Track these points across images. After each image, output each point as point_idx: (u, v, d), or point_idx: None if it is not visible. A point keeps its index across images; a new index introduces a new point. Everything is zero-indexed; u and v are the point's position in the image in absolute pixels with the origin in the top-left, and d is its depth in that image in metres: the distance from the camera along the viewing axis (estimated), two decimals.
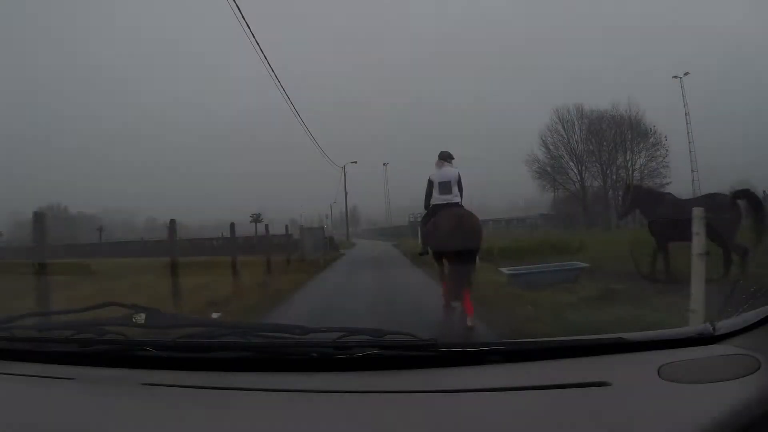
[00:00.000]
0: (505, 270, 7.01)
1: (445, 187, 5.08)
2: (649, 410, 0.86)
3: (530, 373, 1.08)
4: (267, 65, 13.78)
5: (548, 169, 27.03)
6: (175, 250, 6.74)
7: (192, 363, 1.21)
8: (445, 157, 5.23)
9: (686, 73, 24.81)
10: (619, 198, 14.04)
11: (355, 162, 26.07)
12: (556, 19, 48.60)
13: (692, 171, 24.05)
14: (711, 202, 5.84)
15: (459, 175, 5.17)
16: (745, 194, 5.70)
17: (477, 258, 5.51)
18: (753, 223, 5.50)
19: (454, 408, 0.96)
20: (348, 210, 29.76)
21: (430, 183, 5.19)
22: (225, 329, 1.31)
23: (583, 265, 6.59)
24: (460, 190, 5.15)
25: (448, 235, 4.75)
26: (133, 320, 1.27)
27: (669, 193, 7.56)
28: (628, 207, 7.06)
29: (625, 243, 7.43)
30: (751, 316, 1.08)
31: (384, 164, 30.24)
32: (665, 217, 6.02)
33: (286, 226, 16.47)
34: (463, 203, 5.22)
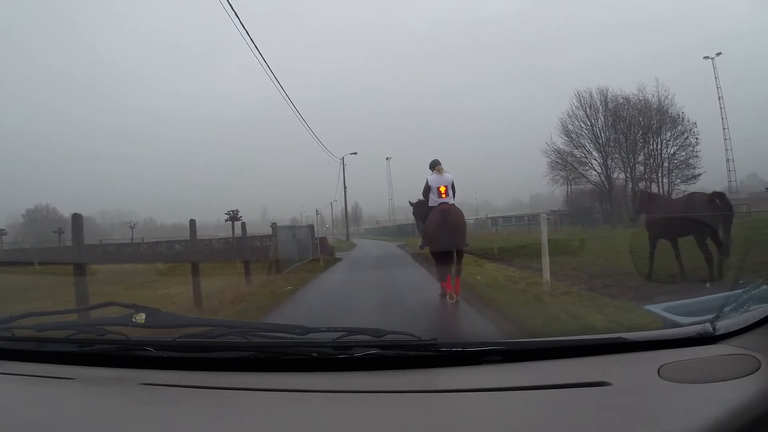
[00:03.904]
0: (663, 312, 1.60)
1: (441, 191, 5.91)
2: (649, 410, 0.86)
3: (530, 373, 1.08)
4: (261, 58, 14.19)
5: (569, 159, 24.20)
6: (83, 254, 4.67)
7: (192, 363, 1.21)
8: (439, 164, 6.02)
9: (718, 53, 22.48)
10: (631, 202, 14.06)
11: (355, 153, 24.40)
12: (570, 7, 47.06)
13: (727, 160, 21.87)
14: (692, 201, 6.36)
15: (452, 181, 6.02)
16: (720, 196, 6.07)
17: (463, 248, 5.92)
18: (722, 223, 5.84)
19: (454, 408, 0.95)
20: (349, 208, 27.50)
21: (428, 187, 6.04)
22: (225, 329, 1.31)
23: None
24: (454, 193, 6.04)
25: (436, 226, 5.66)
26: (133, 320, 1.27)
27: (662, 194, 7.97)
28: (636, 210, 7.30)
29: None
30: (751, 316, 1.08)
31: (387, 158, 29.66)
32: (657, 216, 6.39)
33: (243, 224, 12.14)
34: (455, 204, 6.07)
